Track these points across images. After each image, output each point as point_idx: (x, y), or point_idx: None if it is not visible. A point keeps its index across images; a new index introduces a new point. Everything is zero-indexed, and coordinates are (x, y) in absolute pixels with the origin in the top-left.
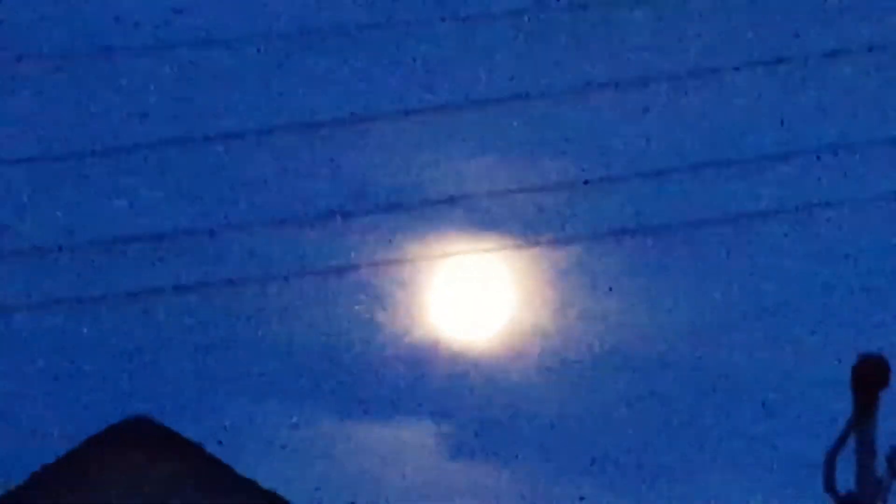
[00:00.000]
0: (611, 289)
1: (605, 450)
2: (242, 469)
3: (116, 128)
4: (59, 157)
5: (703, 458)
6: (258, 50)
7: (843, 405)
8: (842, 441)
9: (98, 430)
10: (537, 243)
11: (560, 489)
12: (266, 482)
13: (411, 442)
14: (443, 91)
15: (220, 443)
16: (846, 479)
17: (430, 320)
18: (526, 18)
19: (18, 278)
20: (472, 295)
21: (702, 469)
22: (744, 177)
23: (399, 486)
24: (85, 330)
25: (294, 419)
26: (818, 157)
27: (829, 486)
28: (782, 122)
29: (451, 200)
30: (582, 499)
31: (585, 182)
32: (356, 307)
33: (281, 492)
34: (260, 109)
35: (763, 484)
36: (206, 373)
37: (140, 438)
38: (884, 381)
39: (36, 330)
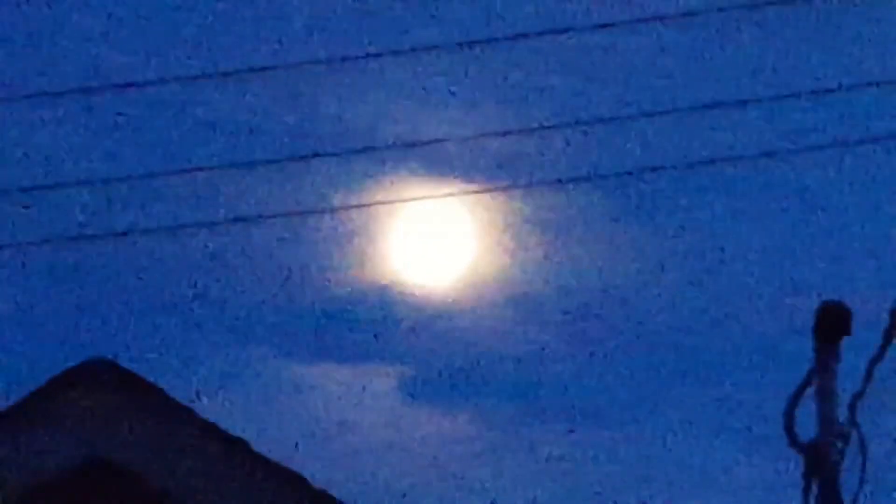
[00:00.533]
0: (571, 235)
1: (565, 394)
2: (203, 412)
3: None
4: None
5: (664, 404)
6: None
7: (803, 353)
8: (802, 390)
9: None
10: (498, 189)
11: (521, 433)
12: (227, 426)
13: (373, 387)
14: (406, 33)
15: (179, 386)
16: (808, 429)
17: (391, 265)
18: None
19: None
20: (434, 240)
21: (661, 415)
22: (711, 121)
23: (361, 430)
24: (53, 271)
25: (254, 363)
26: (796, 100)
27: (791, 436)
28: (759, 65)
29: (412, 145)
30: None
31: (547, 127)
32: (318, 252)
33: (243, 436)
34: (219, 50)
35: (722, 432)
36: (168, 317)
37: (100, 380)
38: (846, 330)
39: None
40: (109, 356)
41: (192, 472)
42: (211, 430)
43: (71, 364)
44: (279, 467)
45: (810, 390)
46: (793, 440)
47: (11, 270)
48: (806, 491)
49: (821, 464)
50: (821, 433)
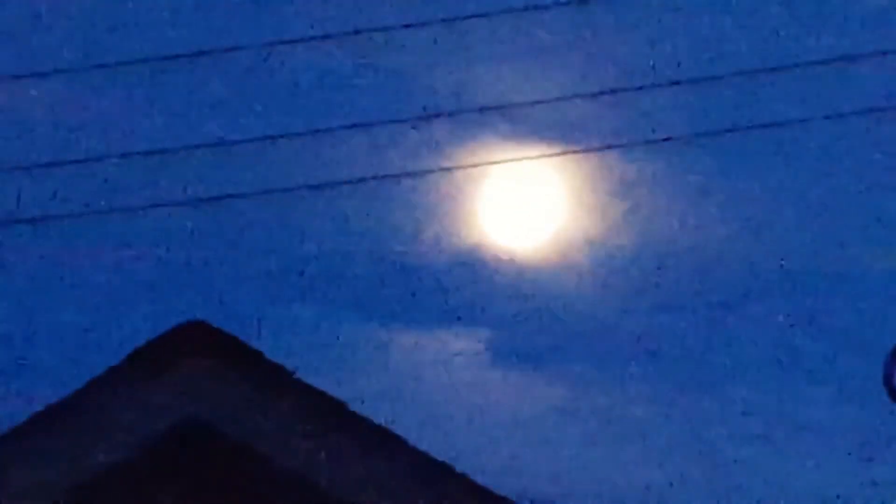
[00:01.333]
0: (659, 196)
1: (651, 356)
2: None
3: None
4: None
5: (750, 365)
6: None
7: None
8: None
9: (151, 336)
10: (584, 150)
11: (605, 395)
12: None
13: (456, 349)
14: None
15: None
16: None
17: (473, 229)
18: None
19: (39, 190)
20: (516, 203)
21: (748, 375)
22: (795, 81)
23: (443, 392)
24: (134, 238)
25: (339, 327)
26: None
27: (889, 387)
28: (834, 25)
29: (494, 108)
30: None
31: (636, 88)
32: (400, 216)
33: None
34: (297, 20)
35: (812, 392)
36: (252, 281)
37: (198, 343)
38: None
39: (83, 240)
40: (206, 319)
41: (291, 435)
42: (311, 392)
43: (167, 327)
44: (381, 429)
45: None
46: (892, 392)
47: (108, 235)
48: None
49: None
50: None
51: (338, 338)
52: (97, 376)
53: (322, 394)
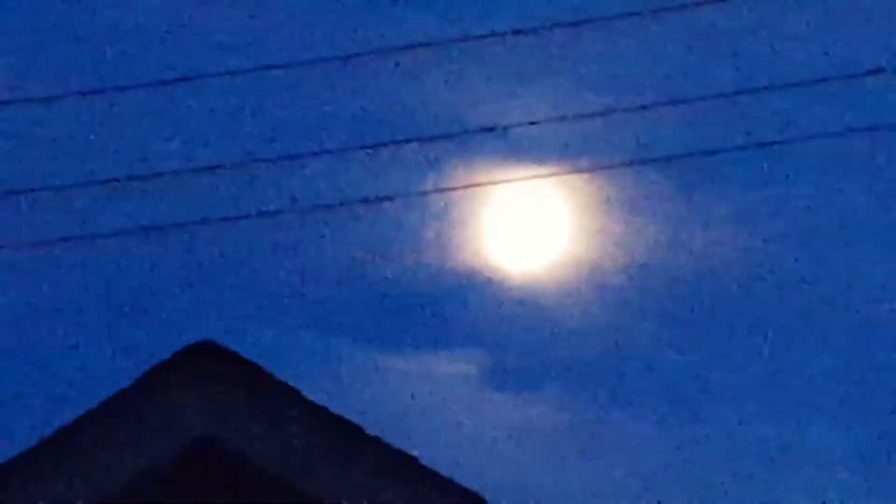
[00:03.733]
0: (652, 216)
1: (650, 380)
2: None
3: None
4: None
5: (755, 389)
6: None
7: None
8: None
9: (161, 357)
10: (576, 171)
11: (599, 416)
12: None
13: (452, 373)
14: (479, 20)
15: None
16: None
17: (467, 251)
18: None
19: (59, 212)
20: (511, 224)
21: (753, 399)
22: (786, 102)
23: (439, 416)
24: (140, 261)
25: (333, 350)
26: (861, 80)
27: None
28: (816, 46)
29: (488, 129)
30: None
31: (629, 109)
32: (393, 238)
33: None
34: (292, 41)
35: (811, 412)
36: (243, 304)
37: (207, 363)
38: None
39: (93, 261)
40: (214, 339)
41: (300, 454)
42: (319, 411)
43: (177, 348)
44: (389, 448)
45: None
46: None
47: (115, 257)
48: None
49: None
50: None
51: (328, 361)
52: (107, 398)
53: (334, 415)
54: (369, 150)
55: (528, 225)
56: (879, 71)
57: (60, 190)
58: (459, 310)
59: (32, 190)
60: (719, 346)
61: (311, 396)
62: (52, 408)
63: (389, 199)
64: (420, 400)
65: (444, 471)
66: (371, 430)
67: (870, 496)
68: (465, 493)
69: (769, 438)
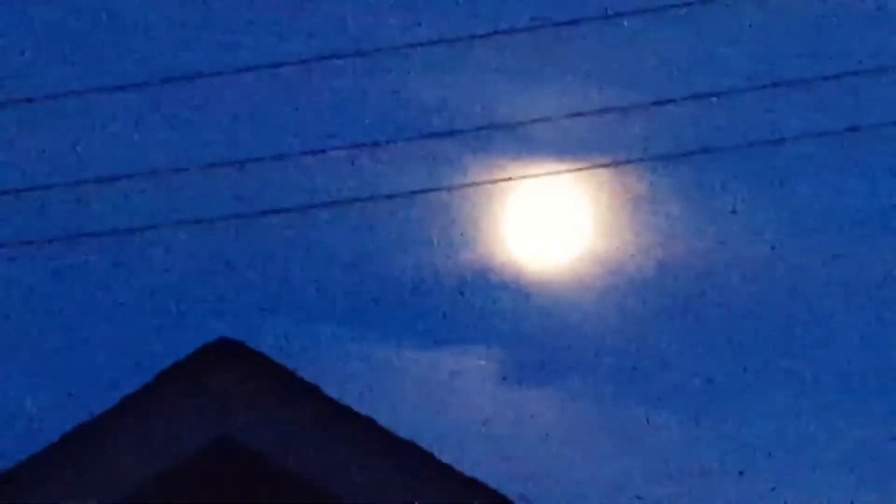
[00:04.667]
0: (674, 212)
1: (667, 375)
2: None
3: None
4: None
5: (768, 384)
6: None
7: None
8: None
9: (178, 355)
10: (592, 167)
11: (619, 414)
12: None
13: (468, 368)
14: (491, 17)
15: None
16: None
17: (487, 246)
18: None
19: (74, 210)
20: (528, 220)
21: (764, 394)
22: (796, 99)
23: (456, 411)
24: (154, 259)
25: (352, 345)
26: (866, 80)
27: None
28: (824, 43)
29: (501, 126)
30: (647, 422)
31: (643, 105)
32: (411, 234)
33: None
34: (301, 39)
35: (816, 411)
36: (261, 301)
37: (227, 361)
38: None
39: (107, 260)
40: (235, 337)
41: (319, 451)
42: (340, 409)
43: (197, 345)
44: (408, 444)
45: None
46: None
47: (137, 254)
48: None
49: None
50: None
51: (346, 356)
52: (129, 394)
53: (352, 410)
54: (383, 147)
55: (544, 221)
56: (878, 70)
57: (71, 187)
58: (477, 306)
59: (45, 188)
60: (736, 343)
61: (330, 393)
62: (71, 406)
63: (406, 195)
64: (439, 396)
65: (463, 467)
66: (390, 427)
67: (870, 495)
68: (485, 490)
69: (784, 435)
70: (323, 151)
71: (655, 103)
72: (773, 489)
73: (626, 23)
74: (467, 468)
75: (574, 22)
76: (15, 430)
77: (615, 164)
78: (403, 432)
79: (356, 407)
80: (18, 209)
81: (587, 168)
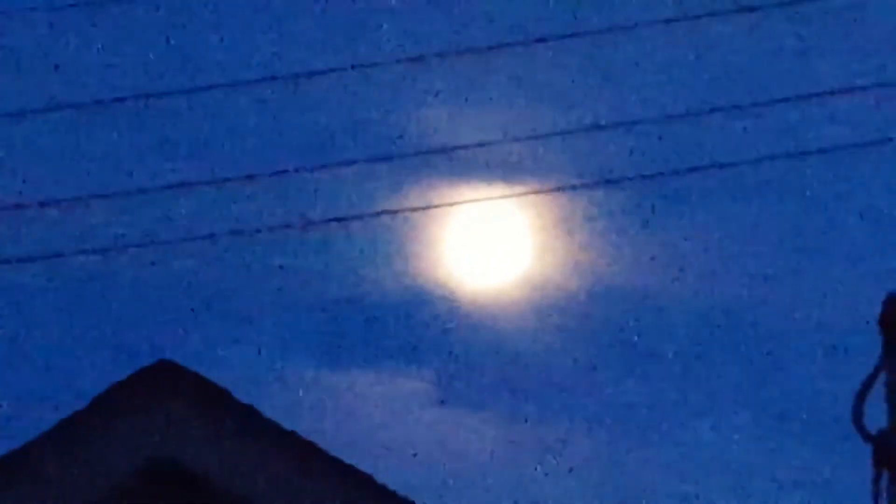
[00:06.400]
0: (608, 236)
1: (600, 398)
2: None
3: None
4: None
5: (703, 406)
6: None
7: (868, 347)
8: (870, 382)
9: (118, 377)
10: (532, 191)
11: (553, 436)
12: None
13: (402, 390)
14: (440, 38)
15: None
16: (877, 421)
17: (422, 269)
18: None
19: (24, 230)
20: (465, 243)
21: (701, 416)
22: (747, 121)
23: (389, 432)
24: (97, 280)
25: (285, 368)
26: (828, 99)
27: (859, 427)
28: (788, 66)
29: (447, 149)
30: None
31: (578, 130)
32: (348, 257)
33: None
34: (259, 57)
35: (775, 431)
36: (200, 322)
37: (166, 383)
38: None
39: (53, 280)
40: (172, 359)
41: (260, 474)
42: (277, 430)
43: (135, 367)
44: (348, 467)
45: (879, 382)
46: (862, 432)
47: (74, 277)
48: (876, 482)
49: (891, 454)
50: (890, 424)
51: (280, 379)
52: (65, 417)
53: (290, 433)
54: (325, 170)
55: (481, 245)
56: (858, 89)
57: (24, 207)
58: (411, 327)
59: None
60: (672, 367)
61: (268, 415)
62: (8, 428)
63: (344, 218)
64: (372, 415)
65: (398, 487)
66: (326, 448)
67: None
68: None
69: (724, 454)
70: (252, 176)
71: (593, 127)
72: None
73: (563, 45)
74: (406, 490)
75: (510, 44)
76: None
77: (551, 188)
78: (341, 453)
79: (293, 428)
80: None
81: (523, 193)
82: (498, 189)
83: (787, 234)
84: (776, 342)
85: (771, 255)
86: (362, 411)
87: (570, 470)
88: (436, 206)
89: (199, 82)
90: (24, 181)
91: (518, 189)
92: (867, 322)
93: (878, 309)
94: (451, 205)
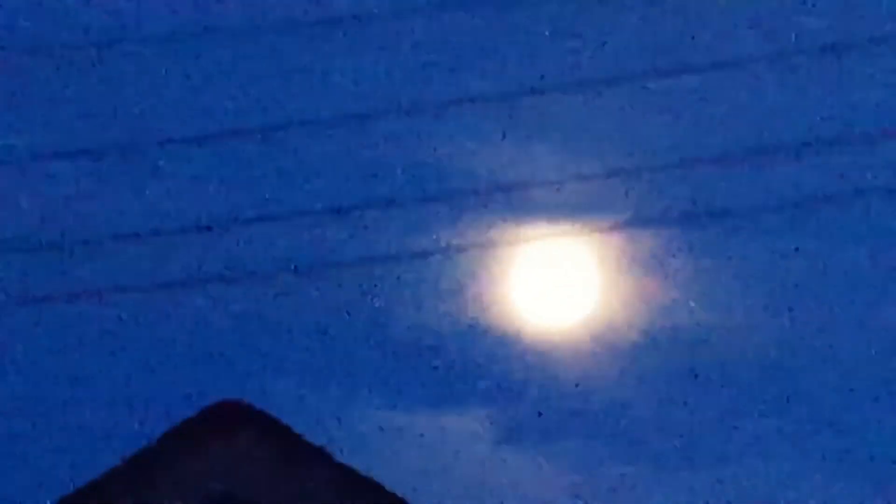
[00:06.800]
0: (666, 275)
1: (661, 437)
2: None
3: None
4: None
5: (758, 446)
6: (311, 35)
7: None
8: None
9: (186, 415)
10: (588, 230)
11: (614, 475)
12: None
13: (465, 430)
14: (493, 80)
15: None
16: None
17: (480, 308)
18: (570, 7)
19: (89, 266)
20: (525, 282)
21: (755, 457)
22: (794, 163)
23: (453, 472)
24: (164, 317)
25: (351, 409)
26: (871, 143)
27: None
28: (829, 109)
29: (503, 188)
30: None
31: (639, 170)
32: (412, 296)
33: None
34: (300, 103)
35: (822, 473)
36: (265, 363)
37: (234, 421)
38: None
39: (123, 316)
40: (241, 398)
41: None
42: (343, 470)
43: (203, 404)
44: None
45: None
46: None
47: (145, 313)
48: None
49: None
50: None
51: (346, 420)
52: (133, 454)
53: (353, 470)
54: (383, 209)
55: (543, 283)
56: (885, 134)
57: (80, 245)
58: (473, 367)
59: (50, 247)
60: (730, 402)
61: (335, 455)
62: (78, 463)
63: (401, 257)
64: (436, 456)
65: None
66: (392, 488)
67: None
68: None
69: (775, 496)
70: (315, 213)
71: (655, 168)
72: None
73: (627, 87)
74: None
75: (576, 84)
76: (18, 485)
77: (614, 227)
78: (404, 492)
79: (359, 468)
80: (23, 265)
81: (586, 231)
82: (560, 227)
83: (863, 269)
84: (851, 377)
85: (847, 291)
86: (425, 452)
87: None
88: (498, 244)
89: (268, 122)
90: (94, 216)
91: (581, 227)
92: None
93: None
94: (513, 242)
